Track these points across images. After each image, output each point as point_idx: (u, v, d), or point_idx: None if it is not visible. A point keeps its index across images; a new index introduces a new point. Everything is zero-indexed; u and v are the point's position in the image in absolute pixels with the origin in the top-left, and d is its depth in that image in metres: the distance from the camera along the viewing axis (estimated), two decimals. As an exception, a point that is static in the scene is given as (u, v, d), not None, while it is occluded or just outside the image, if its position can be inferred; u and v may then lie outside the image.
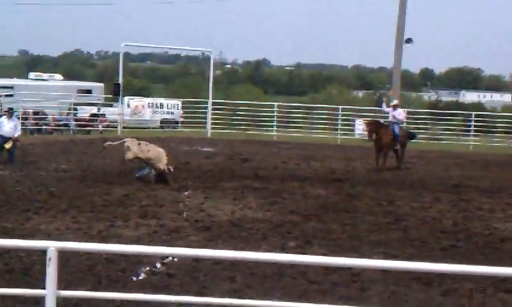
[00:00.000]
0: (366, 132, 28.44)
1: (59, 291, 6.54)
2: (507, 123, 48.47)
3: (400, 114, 28.48)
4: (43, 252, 6.65)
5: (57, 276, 6.51)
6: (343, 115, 42.58)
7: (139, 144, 21.94)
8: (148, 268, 12.40)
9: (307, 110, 52.63)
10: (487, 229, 16.95)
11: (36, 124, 40.05)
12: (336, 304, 10.59)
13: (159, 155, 21.74)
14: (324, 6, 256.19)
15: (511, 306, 11.21)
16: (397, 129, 27.56)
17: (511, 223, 17.83)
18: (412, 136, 29.14)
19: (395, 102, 29.92)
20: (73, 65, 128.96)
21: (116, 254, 12.56)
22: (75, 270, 12.01)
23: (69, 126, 40.80)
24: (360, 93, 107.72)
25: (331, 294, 11.47)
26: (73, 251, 9.82)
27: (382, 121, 28.88)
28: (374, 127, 27.44)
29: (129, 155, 21.74)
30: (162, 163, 21.61)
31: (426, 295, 11.62)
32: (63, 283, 6.63)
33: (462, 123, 46.89)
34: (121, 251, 9.01)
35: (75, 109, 42.66)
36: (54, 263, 6.44)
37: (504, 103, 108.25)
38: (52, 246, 6.47)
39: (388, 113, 28.66)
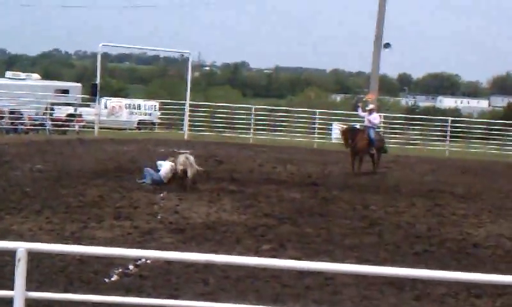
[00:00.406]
0: (342, 141, 28.47)
1: (27, 292, 6.49)
2: (483, 129, 48.78)
3: (376, 118, 28.55)
4: (13, 253, 6.60)
5: (26, 277, 6.46)
6: (320, 119, 42.63)
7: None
8: (120, 270, 12.35)
9: (285, 114, 52.70)
10: (460, 235, 17.03)
11: (12, 123, 39.78)
12: (308, 307, 10.62)
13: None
14: (303, 10, 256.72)
15: (482, 312, 11.27)
16: (372, 133, 27.64)
17: (483, 229, 17.93)
18: (383, 150, 29.08)
19: (371, 106, 29.96)
20: (51, 65, 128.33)
21: (88, 256, 12.48)
22: (47, 271, 11.94)
23: (45, 126, 40.55)
24: (338, 97, 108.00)
25: (304, 298, 11.48)
26: (44, 252, 9.77)
27: (357, 125, 28.94)
28: (350, 134, 27.52)
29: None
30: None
31: (399, 299, 11.65)
32: (34, 284, 6.58)
33: (438, 128, 47.11)
34: (93, 253, 8.95)
35: (52, 109, 42.40)
36: (23, 264, 6.39)
37: (480, 109, 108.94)
38: (22, 247, 6.43)
39: (363, 117, 28.72)
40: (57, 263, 12.41)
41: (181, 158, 21.72)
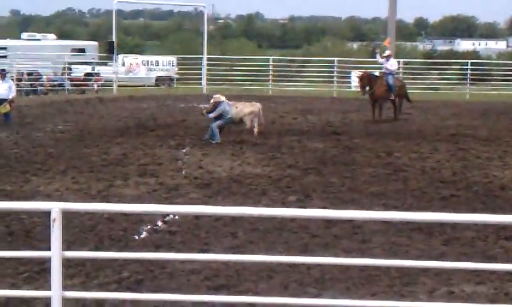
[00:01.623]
0: (359, 86, 28.35)
1: (64, 252, 6.54)
2: (502, 70, 48.43)
3: (393, 64, 28.25)
4: (46, 213, 6.64)
5: (61, 237, 6.52)
6: (338, 67, 42.39)
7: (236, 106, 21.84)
8: (149, 227, 12.42)
9: (302, 64, 52.48)
10: (486, 178, 16.98)
11: (31, 85, 39.84)
12: (338, 256, 10.64)
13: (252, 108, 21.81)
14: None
15: (512, 254, 11.26)
16: (391, 80, 27.42)
17: (509, 171, 17.86)
18: (406, 98, 28.83)
19: (388, 52, 29.74)
20: (65, 24, 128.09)
21: (116, 214, 12.57)
22: (76, 230, 12.01)
23: (64, 86, 40.59)
24: (355, 45, 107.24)
25: (332, 247, 11.50)
26: (77, 211, 9.84)
27: (376, 72, 28.73)
28: (367, 80, 27.33)
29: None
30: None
31: (427, 245, 11.65)
32: (65, 244, 6.62)
33: (458, 72, 46.79)
34: (124, 210, 9.03)
35: (70, 69, 42.42)
36: (59, 224, 6.44)
37: (498, 50, 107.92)
38: (56, 207, 6.46)
39: (382, 64, 28.51)
40: (86, 222, 12.48)
41: (250, 107, 21.71)
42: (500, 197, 15.13)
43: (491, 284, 9.84)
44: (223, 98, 21.72)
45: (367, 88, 27.06)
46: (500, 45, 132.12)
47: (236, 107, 21.67)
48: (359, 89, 28.12)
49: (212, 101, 21.84)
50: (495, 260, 10.69)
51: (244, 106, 21.84)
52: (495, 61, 63.99)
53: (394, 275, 10.01)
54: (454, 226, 12.21)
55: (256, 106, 21.96)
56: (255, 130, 21.77)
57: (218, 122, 21.40)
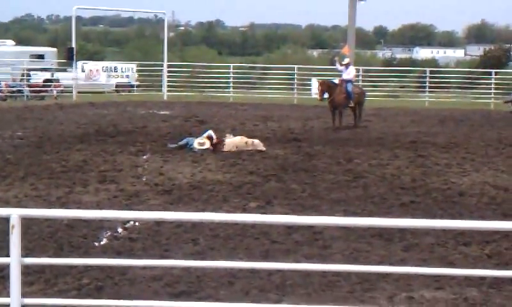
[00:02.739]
0: (318, 93, 28.49)
1: (23, 258, 6.47)
2: (461, 78, 48.99)
3: (350, 72, 28.39)
4: (4, 220, 6.56)
5: (20, 244, 6.44)
6: (299, 75, 42.57)
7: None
8: (109, 233, 12.33)
9: (263, 71, 52.63)
10: (445, 184, 17.12)
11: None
12: (299, 262, 10.65)
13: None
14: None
15: (471, 259, 11.36)
16: (350, 87, 27.61)
17: (467, 177, 18.03)
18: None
19: (347, 60, 29.96)
20: (24, 30, 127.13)
21: (77, 220, 12.47)
22: (36, 237, 11.89)
23: (23, 93, 40.23)
24: (315, 52, 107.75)
25: (293, 253, 11.51)
26: (36, 217, 9.74)
27: (336, 80, 28.87)
28: (326, 87, 27.52)
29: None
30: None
31: (388, 250, 11.71)
32: (24, 251, 6.55)
33: (417, 79, 47.22)
34: (83, 216, 8.94)
35: (28, 75, 42.06)
36: (18, 230, 6.36)
37: (457, 59, 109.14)
38: (15, 213, 6.38)
39: (341, 72, 28.66)
40: (46, 228, 12.35)
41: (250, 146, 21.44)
42: (459, 203, 15.26)
43: (450, 289, 9.90)
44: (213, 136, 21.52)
45: (326, 95, 27.24)
46: (458, 54, 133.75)
47: (236, 147, 21.37)
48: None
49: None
50: (454, 266, 10.78)
51: (247, 146, 21.45)
52: (454, 69, 64.63)
53: (354, 281, 10.04)
54: (414, 232, 12.30)
55: (257, 147, 21.62)
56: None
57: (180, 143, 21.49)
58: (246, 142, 21.48)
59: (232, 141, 21.52)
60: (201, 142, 21.27)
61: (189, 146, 21.25)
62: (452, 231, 12.16)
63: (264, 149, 21.33)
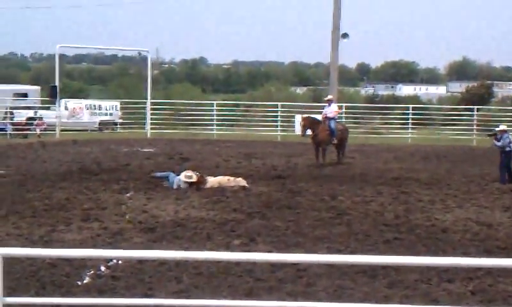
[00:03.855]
0: (300, 128, 28.61)
1: (4, 298, 6.43)
2: (443, 115, 49.27)
3: (332, 111, 28.46)
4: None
5: (2, 283, 6.40)
6: (282, 112, 42.71)
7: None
8: (92, 272, 12.27)
9: (246, 108, 52.73)
10: (428, 221, 17.17)
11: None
12: (283, 300, 10.62)
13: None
14: (259, 2, 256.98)
15: (455, 295, 11.36)
16: (333, 124, 27.72)
17: (451, 214, 18.09)
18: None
19: (330, 97, 30.16)
20: (7, 68, 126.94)
21: (59, 259, 12.41)
22: (18, 276, 11.82)
23: (6, 131, 40.11)
24: (298, 89, 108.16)
25: (278, 290, 11.49)
26: (18, 256, 9.68)
27: (319, 117, 28.94)
28: (309, 123, 27.63)
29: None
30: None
31: (372, 287, 11.72)
32: (6, 290, 6.51)
33: (400, 116, 47.46)
34: (66, 255, 8.91)
35: (12, 113, 41.95)
36: (0, 269, 6.33)
37: (439, 95, 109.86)
38: (-3, 253, 6.36)
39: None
40: (28, 267, 12.29)
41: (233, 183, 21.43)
42: (442, 240, 15.30)
43: (434, 326, 9.91)
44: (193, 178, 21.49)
45: (309, 132, 27.34)
46: (441, 90, 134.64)
47: (219, 185, 21.35)
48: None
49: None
50: (438, 303, 10.80)
51: (229, 183, 21.42)
52: (436, 106, 64.97)
53: (339, 318, 10.01)
54: (398, 268, 12.30)
55: (241, 183, 21.65)
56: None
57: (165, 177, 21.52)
58: (228, 180, 21.50)
59: (215, 179, 21.54)
60: (188, 176, 21.25)
61: (170, 183, 21.19)
62: (436, 267, 12.17)
63: (246, 185, 21.34)
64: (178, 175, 21.41)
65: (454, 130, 42.63)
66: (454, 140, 39.75)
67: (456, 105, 57.83)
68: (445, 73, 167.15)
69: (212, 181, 21.37)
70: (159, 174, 21.93)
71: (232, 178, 21.66)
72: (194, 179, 21.14)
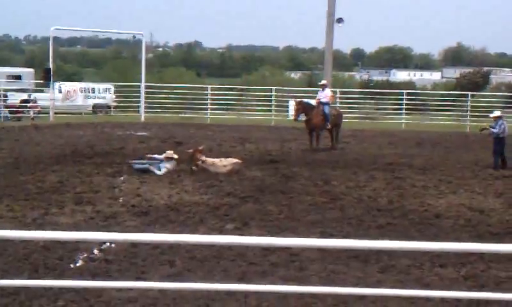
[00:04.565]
0: (293, 112, 28.61)
1: (-2, 280, 6.42)
2: (437, 100, 49.27)
3: (327, 95, 28.43)
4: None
5: (-6, 266, 6.40)
6: (276, 96, 42.68)
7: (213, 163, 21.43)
8: (85, 255, 12.27)
9: (241, 92, 52.66)
10: (422, 206, 17.20)
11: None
12: (276, 284, 10.64)
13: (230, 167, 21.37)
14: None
15: (447, 280, 11.40)
16: (327, 109, 27.69)
17: (444, 199, 18.12)
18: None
19: (324, 81, 30.13)
20: (1, 51, 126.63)
21: (52, 242, 12.40)
22: (11, 259, 11.82)
23: (0, 113, 40.02)
24: (293, 74, 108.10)
25: (270, 275, 11.51)
26: (11, 239, 9.67)
27: (313, 101, 28.92)
28: (302, 108, 27.60)
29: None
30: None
31: (364, 272, 11.74)
32: (-1, 273, 6.50)
33: (394, 101, 47.46)
34: (59, 237, 8.89)
35: (5, 96, 41.86)
36: (-8, 252, 6.32)
37: (433, 81, 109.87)
38: (-11, 235, 6.35)
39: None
40: (21, 250, 12.29)
41: (228, 167, 21.38)
42: (435, 225, 15.34)
43: (426, 311, 9.93)
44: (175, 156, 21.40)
45: (303, 116, 27.32)
46: (435, 76, 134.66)
47: (212, 164, 21.36)
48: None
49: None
50: (430, 287, 10.81)
51: (221, 163, 21.46)
52: (430, 92, 65.00)
53: (331, 302, 10.05)
54: (390, 253, 12.33)
55: (235, 164, 21.63)
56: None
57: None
58: (221, 160, 21.56)
59: (209, 159, 21.58)
60: (168, 157, 21.18)
61: (156, 173, 20.97)
62: (429, 253, 12.20)
63: (239, 161, 21.42)
64: (160, 164, 21.22)
65: (448, 116, 42.66)
66: (448, 126, 39.78)
67: (451, 91, 57.85)
68: (440, 59, 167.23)
69: (208, 161, 21.41)
70: (136, 166, 21.47)
71: (223, 159, 21.74)
72: (176, 157, 21.07)
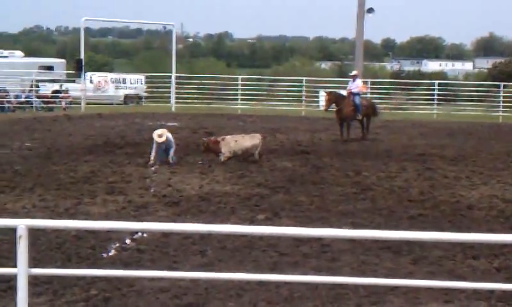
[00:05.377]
0: (324, 103, 28.56)
1: (30, 269, 6.47)
2: (469, 91, 48.90)
3: (358, 85, 28.33)
4: (12, 230, 6.56)
5: (27, 254, 6.44)
6: (307, 87, 42.58)
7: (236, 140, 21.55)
8: (117, 245, 12.33)
9: (271, 83, 52.62)
10: (453, 197, 17.08)
11: (-1, 102, 39.44)
12: (307, 274, 10.62)
13: (252, 140, 21.52)
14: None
15: (479, 272, 11.32)
16: (357, 100, 27.56)
17: (476, 190, 17.99)
18: (374, 113, 28.86)
19: (354, 72, 30.00)
20: (33, 42, 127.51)
21: (85, 231, 12.49)
22: (44, 248, 11.91)
23: (32, 104, 40.32)
24: (323, 64, 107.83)
25: (301, 265, 11.48)
26: (44, 228, 9.74)
27: (343, 92, 28.82)
28: (333, 98, 27.51)
29: (226, 154, 21.27)
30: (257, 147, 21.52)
31: (396, 263, 11.68)
32: (32, 261, 6.54)
33: (425, 92, 47.17)
34: (91, 227, 8.94)
35: (37, 86, 42.15)
36: (25, 240, 6.36)
37: (465, 71, 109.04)
38: (22, 224, 6.39)
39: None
40: (54, 239, 12.38)
41: (250, 141, 21.55)
42: (467, 216, 15.22)
43: (459, 303, 9.87)
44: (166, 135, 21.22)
45: (333, 107, 27.24)
46: (467, 66, 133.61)
47: (236, 141, 21.46)
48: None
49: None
50: (463, 279, 10.74)
51: (244, 140, 21.61)
52: (462, 82, 64.55)
53: (362, 293, 10.01)
54: (422, 244, 12.26)
55: (256, 138, 21.74)
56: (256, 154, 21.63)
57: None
58: (243, 136, 21.64)
59: (231, 137, 21.61)
60: (159, 134, 21.09)
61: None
62: (461, 244, 12.13)
63: (261, 138, 21.63)
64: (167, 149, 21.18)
65: (480, 106, 42.33)
66: (480, 116, 39.48)
67: (483, 81, 57.37)
68: (472, 49, 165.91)
69: (228, 138, 21.45)
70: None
71: (246, 135, 21.80)
72: (164, 139, 20.91)
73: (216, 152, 21.30)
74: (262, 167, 20.57)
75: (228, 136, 21.76)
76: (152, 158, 20.69)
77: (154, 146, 20.82)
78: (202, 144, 21.81)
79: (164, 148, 20.93)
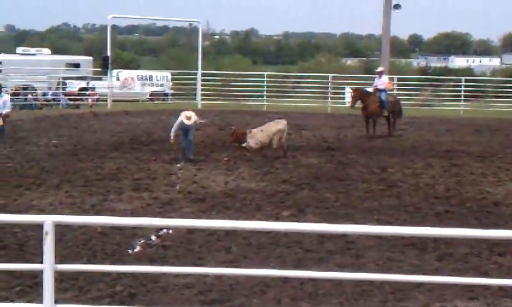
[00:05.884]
0: (350, 99, 28.49)
1: (56, 265, 6.51)
2: (496, 87, 48.56)
3: (384, 82, 28.20)
4: (39, 226, 6.62)
5: (54, 250, 6.49)
6: (333, 83, 42.46)
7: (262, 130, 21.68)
8: (143, 241, 12.39)
9: (297, 80, 52.58)
10: (480, 194, 16.98)
11: (26, 99, 39.71)
12: (332, 271, 10.61)
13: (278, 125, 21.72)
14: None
15: (505, 269, 11.25)
16: (383, 96, 27.45)
17: (503, 187, 17.87)
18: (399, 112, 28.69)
19: (380, 68, 29.88)
20: (60, 39, 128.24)
21: (110, 228, 12.56)
22: (70, 244, 11.99)
23: (59, 101, 40.57)
24: (349, 61, 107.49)
25: (326, 262, 11.48)
26: (70, 224, 9.80)
27: (369, 88, 28.73)
28: (359, 95, 27.42)
29: (253, 146, 21.42)
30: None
31: (421, 260, 11.65)
32: (58, 258, 6.59)
33: (452, 88, 46.90)
34: (117, 223, 9.00)
35: (64, 84, 42.41)
36: (51, 236, 6.41)
37: (493, 67, 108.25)
38: (49, 220, 6.43)
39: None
40: (80, 236, 12.46)
41: (275, 126, 21.82)
42: (494, 213, 15.13)
43: (484, 300, 9.83)
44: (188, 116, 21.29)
45: (359, 103, 27.16)
46: (494, 62, 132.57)
47: (262, 131, 21.53)
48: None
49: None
50: (489, 276, 10.70)
51: (269, 126, 21.70)
52: (489, 78, 64.12)
53: (388, 290, 9.99)
54: (448, 241, 12.21)
55: (281, 123, 21.84)
56: (284, 147, 21.67)
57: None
58: (269, 125, 21.68)
59: (257, 128, 21.66)
60: (188, 116, 21.16)
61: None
62: (487, 241, 12.06)
63: (285, 122, 21.88)
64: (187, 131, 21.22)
65: (507, 102, 42.01)
66: (507, 112, 39.19)
67: (510, 78, 56.93)
68: (499, 45, 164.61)
69: (254, 131, 21.50)
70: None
71: (271, 122, 21.96)
72: (192, 122, 20.99)
73: (242, 143, 21.41)
74: (287, 163, 20.58)
75: (255, 129, 21.84)
76: (172, 138, 20.80)
77: (175, 127, 20.94)
78: (231, 133, 21.93)
79: (186, 130, 21.04)
